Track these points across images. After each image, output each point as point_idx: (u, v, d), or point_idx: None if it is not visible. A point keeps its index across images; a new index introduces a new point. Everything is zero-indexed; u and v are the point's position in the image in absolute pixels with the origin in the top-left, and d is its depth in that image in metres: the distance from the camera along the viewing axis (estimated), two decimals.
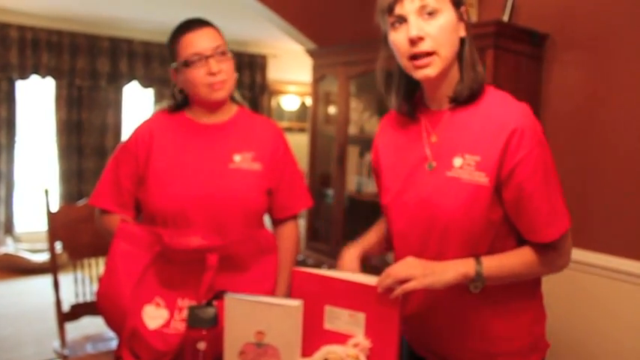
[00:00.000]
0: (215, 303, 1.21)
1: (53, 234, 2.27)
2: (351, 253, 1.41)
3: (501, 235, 1.23)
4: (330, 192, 3.51)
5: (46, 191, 2.27)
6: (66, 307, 2.29)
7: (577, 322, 2.50)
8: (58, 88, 5.78)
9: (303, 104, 7.31)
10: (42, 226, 5.43)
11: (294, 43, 3.70)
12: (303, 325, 1.18)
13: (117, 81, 6.09)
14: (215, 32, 1.59)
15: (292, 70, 7.21)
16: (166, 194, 1.56)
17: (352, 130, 3.35)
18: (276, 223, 1.76)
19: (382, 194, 1.37)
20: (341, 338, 1.22)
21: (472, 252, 1.20)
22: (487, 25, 2.37)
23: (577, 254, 2.43)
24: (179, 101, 1.66)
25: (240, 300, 1.19)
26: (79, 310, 2.32)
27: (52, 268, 2.30)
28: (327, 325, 1.24)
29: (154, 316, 1.32)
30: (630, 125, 2.32)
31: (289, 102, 7.33)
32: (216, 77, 1.55)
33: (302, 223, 3.15)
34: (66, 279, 2.70)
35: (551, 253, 1.22)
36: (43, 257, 5.29)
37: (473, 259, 1.18)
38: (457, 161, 1.21)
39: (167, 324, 1.32)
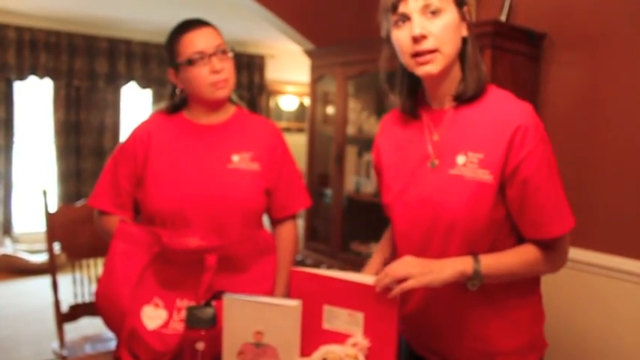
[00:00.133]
0: (214, 303, 1.21)
1: (52, 235, 2.26)
2: None
3: (502, 235, 1.24)
4: (329, 192, 3.51)
5: (45, 192, 2.27)
6: (64, 307, 2.29)
7: (577, 321, 2.50)
8: (56, 88, 5.78)
9: (301, 104, 7.31)
10: (40, 226, 5.43)
11: (292, 43, 3.71)
12: (302, 325, 1.19)
13: (115, 82, 6.09)
14: (215, 32, 1.59)
15: (290, 71, 7.21)
16: (165, 195, 1.56)
17: (350, 130, 3.35)
18: (275, 223, 1.76)
19: (384, 193, 1.38)
20: (340, 338, 1.22)
21: (473, 251, 1.20)
22: (485, 24, 2.37)
23: (577, 253, 2.44)
24: (177, 102, 1.66)
25: (238, 300, 1.19)
26: (77, 311, 2.32)
27: (50, 268, 2.30)
28: (326, 325, 1.24)
29: (152, 317, 1.32)
30: (629, 124, 2.33)
31: (287, 102, 7.33)
32: (219, 75, 1.55)
33: (300, 223, 3.15)
34: (64, 280, 2.71)
35: (549, 252, 1.22)
36: (41, 258, 5.29)
37: (471, 257, 1.18)
38: (460, 159, 1.21)
39: (166, 324, 1.32)
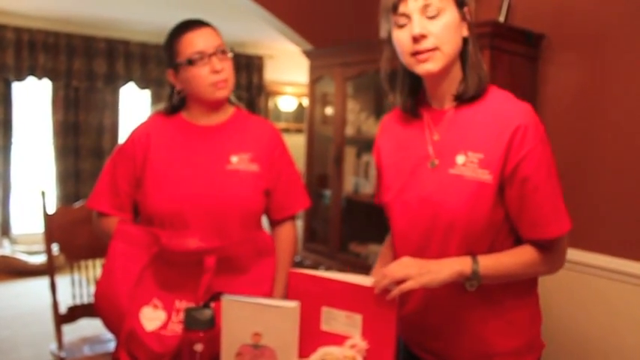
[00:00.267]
0: (212, 305, 1.21)
1: (50, 236, 2.26)
2: None
3: (501, 236, 1.24)
4: (328, 193, 3.51)
5: (43, 193, 2.27)
6: (63, 309, 2.29)
7: (577, 322, 2.51)
8: (55, 89, 5.77)
9: (300, 105, 7.31)
10: (39, 227, 5.42)
11: (291, 44, 3.71)
12: (300, 327, 1.19)
13: (114, 82, 6.08)
14: (215, 32, 1.59)
15: (289, 71, 7.21)
16: (164, 196, 1.56)
17: (349, 130, 3.35)
18: (274, 224, 1.76)
19: (383, 192, 1.38)
20: (338, 339, 1.22)
21: (472, 251, 1.20)
22: (483, 25, 2.37)
23: (575, 255, 2.44)
24: (175, 103, 1.66)
25: (237, 302, 1.19)
26: (76, 312, 2.32)
27: (49, 269, 2.29)
28: (324, 327, 1.24)
29: (151, 318, 1.32)
30: (628, 124, 2.33)
31: (286, 103, 7.33)
32: (219, 75, 1.55)
33: (299, 224, 3.15)
34: (63, 281, 2.70)
35: (547, 254, 1.23)
36: (40, 259, 5.28)
37: (469, 258, 1.18)
38: (460, 159, 1.22)
39: (164, 326, 1.32)
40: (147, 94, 6.39)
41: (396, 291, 1.14)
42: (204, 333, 1.17)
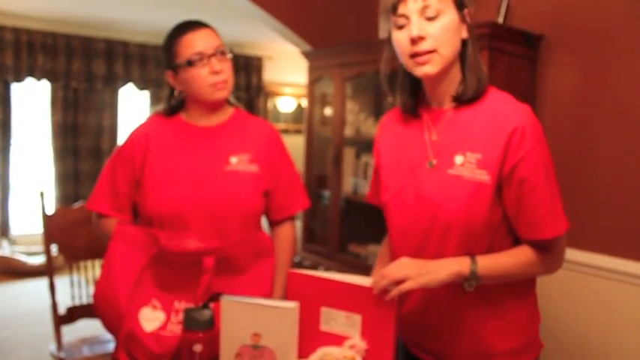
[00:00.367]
0: (211, 305, 1.21)
1: (49, 236, 2.26)
2: None
3: (499, 236, 1.24)
4: (327, 193, 3.52)
5: (42, 194, 2.27)
6: (62, 309, 2.29)
7: (576, 322, 2.51)
8: (54, 90, 5.77)
9: (299, 106, 7.31)
10: (38, 228, 5.42)
11: (290, 44, 3.71)
12: (300, 327, 1.19)
13: (113, 83, 6.08)
14: (214, 33, 1.59)
15: (288, 72, 7.21)
16: (163, 197, 1.56)
17: (348, 131, 3.35)
18: (273, 224, 1.76)
19: (382, 192, 1.38)
20: (337, 340, 1.22)
21: (470, 252, 1.21)
22: (482, 26, 2.37)
23: (574, 254, 2.44)
24: (174, 104, 1.66)
25: (236, 302, 1.19)
26: (75, 313, 2.32)
27: (48, 270, 2.29)
28: (324, 327, 1.25)
29: (150, 319, 1.32)
30: (625, 126, 2.33)
31: (285, 104, 7.33)
32: (218, 76, 1.55)
33: (298, 224, 3.15)
34: (62, 281, 2.70)
35: (545, 254, 1.23)
36: (39, 260, 5.27)
37: (468, 258, 1.19)
38: (458, 159, 1.22)
39: (164, 326, 1.32)
40: (146, 95, 6.39)
41: (395, 291, 1.14)
42: (204, 334, 1.17)
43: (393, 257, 1.33)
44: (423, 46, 1.19)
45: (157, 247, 1.33)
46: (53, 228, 2.27)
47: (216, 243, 1.37)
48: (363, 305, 1.20)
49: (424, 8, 1.18)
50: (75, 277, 2.44)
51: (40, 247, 5.44)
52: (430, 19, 1.18)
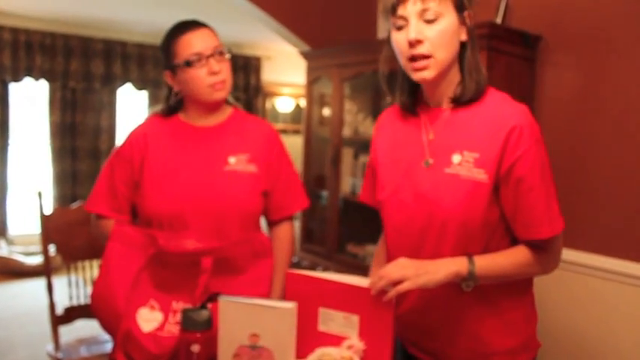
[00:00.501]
0: (209, 305, 1.21)
1: (47, 237, 2.26)
2: None
3: (497, 236, 1.25)
4: (325, 193, 3.52)
5: (40, 194, 2.27)
6: (60, 310, 2.29)
7: (573, 322, 2.51)
8: (52, 90, 5.76)
9: (297, 106, 7.31)
10: (36, 228, 5.40)
11: (288, 45, 3.71)
12: (298, 328, 1.19)
13: (111, 83, 6.07)
14: (212, 33, 1.58)
15: (286, 72, 7.21)
16: (162, 198, 1.55)
17: (346, 131, 3.35)
18: (272, 224, 1.76)
19: (378, 190, 1.38)
20: (335, 340, 1.23)
21: (467, 251, 1.21)
22: (480, 27, 2.38)
23: (571, 255, 2.45)
24: (173, 104, 1.66)
25: (234, 302, 1.19)
26: (73, 313, 2.32)
27: (45, 270, 2.29)
28: (321, 327, 1.25)
29: (148, 319, 1.32)
30: (622, 126, 2.34)
31: (284, 104, 7.33)
32: (217, 77, 1.54)
33: (296, 224, 3.15)
34: (60, 282, 2.69)
35: (542, 254, 1.23)
36: (36, 260, 5.27)
37: (465, 258, 1.19)
38: (456, 158, 1.23)
39: (161, 327, 1.31)
40: (144, 95, 6.38)
41: (393, 292, 1.14)
42: (202, 334, 1.17)
43: (390, 257, 1.33)
44: (420, 50, 1.19)
45: (154, 247, 1.33)
46: (51, 228, 2.27)
47: (214, 243, 1.37)
48: (361, 306, 1.20)
49: (423, 11, 1.18)
50: (73, 277, 2.44)
51: (38, 247, 5.42)
52: (429, 21, 1.18)
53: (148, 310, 1.33)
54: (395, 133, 1.38)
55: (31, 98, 5.94)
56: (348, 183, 3.39)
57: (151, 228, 1.53)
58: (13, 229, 5.81)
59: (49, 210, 2.29)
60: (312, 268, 3.34)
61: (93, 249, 2.26)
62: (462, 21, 1.23)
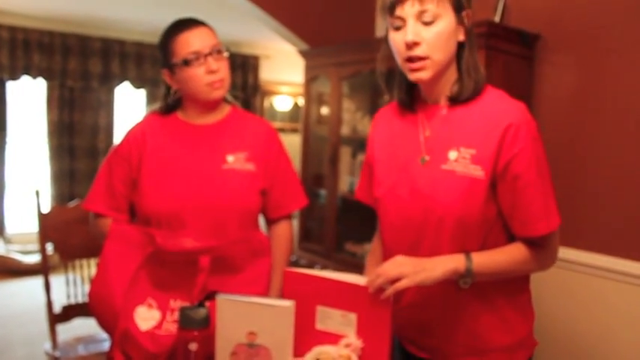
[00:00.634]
0: (207, 304, 1.21)
1: (44, 235, 2.25)
2: None
3: (494, 233, 1.25)
4: (323, 192, 3.51)
5: (37, 192, 2.26)
6: (57, 308, 2.28)
7: (572, 321, 2.51)
8: (50, 88, 5.75)
9: (295, 105, 7.30)
10: (33, 227, 5.40)
11: (287, 43, 3.71)
12: (295, 326, 1.19)
13: (109, 82, 6.06)
14: (210, 31, 1.58)
15: (285, 71, 7.21)
16: (160, 196, 1.55)
17: (345, 130, 3.35)
18: (270, 222, 1.76)
19: (375, 187, 1.38)
20: (333, 338, 1.23)
21: (465, 248, 1.21)
22: (478, 25, 2.37)
23: (570, 254, 2.45)
24: (171, 103, 1.66)
25: (231, 301, 1.19)
26: (70, 312, 2.31)
27: (43, 269, 2.29)
28: (319, 326, 1.25)
29: (146, 318, 1.32)
30: (620, 125, 2.34)
31: (282, 103, 7.32)
32: (215, 75, 1.54)
33: (295, 223, 3.14)
34: (57, 280, 2.69)
35: (539, 251, 1.24)
36: (34, 258, 5.26)
37: (463, 255, 1.19)
38: (452, 154, 1.23)
39: (159, 325, 1.31)
40: (142, 93, 6.37)
41: (390, 290, 1.14)
42: (199, 332, 1.17)
43: (387, 254, 1.33)
44: (417, 52, 1.19)
45: (152, 246, 1.33)
46: (49, 226, 2.26)
47: (212, 242, 1.37)
48: (359, 304, 1.20)
49: (421, 13, 1.18)
50: (70, 275, 2.44)
51: (36, 246, 5.42)
52: (426, 23, 1.18)
53: (145, 308, 1.33)
54: (392, 131, 1.38)
55: (29, 97, 5.93)
56: (346, 182, 3.38)
57: (149, 226, 1.53)
58: (10, 227, 5.80)
59: (46, 208, 2.28)
60: (310, 266, 3.34)
61: (90, 247, 2.25)
62: (460, 21, 1.23)
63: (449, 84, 1.27)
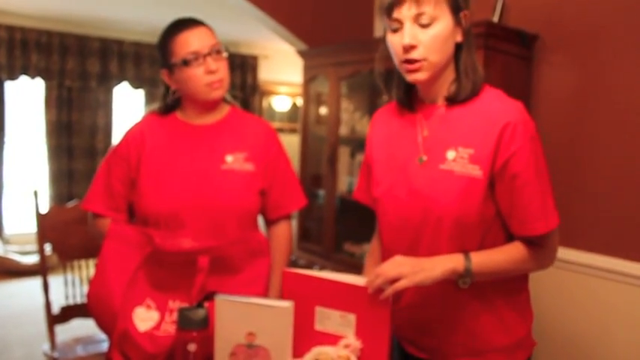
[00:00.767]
0: (206, 304, 1.21)
1: (43, 235, 2.25)
2: None
3: (492, 232, 1.25)
4: (322, 192, 3.51)
5: (36, 193, 2.26)
6: (56, 309, 2.28)
7: (571, 321, 2.52)
8: (48, 88, 5.74)
9: (294, 105, 7.30)
10: (31, 227, 5.40)
11: (285, 43, 3.70)
12: (294, 326, 1.19)
13: (107, 82, 6.06)
14: (210, 31, 1.58)
15: (283, 71, 7.21)
16: (159, 197, 1.55)
17: (343, 130, 3.35)
18: (270, 223, 1.75)
19: (373, 187, 1.38)
20: (332, 339, 1.22)
21: (463, 247, 1.21)
22: (477, 25, 2.37)
23: (567, 253, 2.45)
24: (170, 103, 1.65)
25: (230, 301, 1.19)
26: (69, 312, 2.31)
27: (41, 269, 2.28)
28: (318, 326, 1.24)
29: (144, 318, 1.31)
30: (618, 125, 2.34)
31: (280, 103, 7.32)
32: (214, 76, 1.54)
33: (293, 223, 3.14)
34: (56, 281, 2.69)
35: (538, 250, 1.24)
36: (32, 259, 5.26)
37: (462, 255, 1.19)
38: (450, 154, 1.23)
39: (158, 326, 1.31)
40: (140, 93, 6.37)
41: (389, 290, 1.14)
42: (198, 333, 1.16)
43: (386, 254, 1.33)
44: (414, 55, 1.20)
45: (151, 246, 1.33)
46: (47, 227, 2.26)
47: (211, 242, 1.37)
48: (358, 304, 1.20)
49: (418, 15, 1.18)
50: (69, 276, 2.43)
51: (34, 247, 5.41)
52: (423, 26, 1.18)
53: (144, 309, 1.32)
54: (390, 131, 1.38)
55: (27, 97, 5.92)
56: (345, 182, 3.38)
57: (148, 227, 1.52)
58: (8, 228, 5.79)
59: (45, 209, 2.28)
60: (309, 267, 3.34)
61: (89, 248, 2.25)
62: (458, 22, 1.23)
63: (446, 84, 1.27)
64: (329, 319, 1.23)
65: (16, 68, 5.51)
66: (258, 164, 1.63)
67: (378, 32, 3.44)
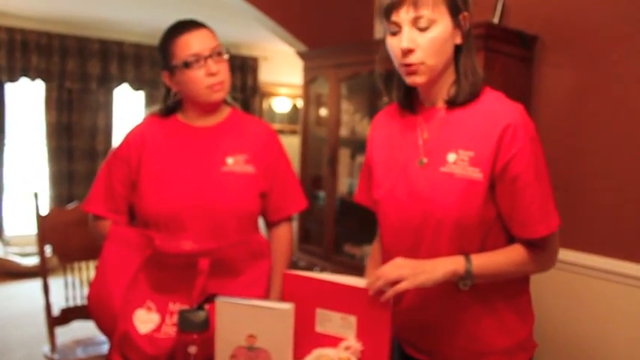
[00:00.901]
0: (206, 307, 1.20)
1: (43, 237, 2.25)
2: None
3: (493, 235, 1.25)
4: (322, 194, 3.51)
5: (36, 194, 2.26)
6: (56, 311, 2.28)
7: (569, 322, 2.51)
8: (48, 90, 5.74)
9: (294, 106, 7.31)
10: (32, 229, 5.40)
11: (285, 45, 3.71)
12: (295, 329, 1.18)
13: (107, 83, 6.06)
14: (210, 33, 1.58)
15: (283, 73, 7.21)
16: (159, 198, 1.55)
17: (343, 132, 3.35)
18: (270, 225, 1.75)
19: (374, 189, 1.38)
20: (332, 341, 1.22)
21: (464, 250, 1.21)
22: (477, 26, 2.37)
23: (568, 255, 2.45)
24: (171, 105, 1.65)
25: (231, 303, 1.18)
26: (69, 314, 2.31)
27: (41, 271, 2.28)
28: (319, 328, 1.24)
29: (145, 320, 1.31)
30: (620, 126, 2.34)
31: (280, 104, 7.33)
32: (215, 78, 1.54)
33: (294, 225, 3.14)
34: (56, 283, 2.69)
35: (539, 252, 1.24)
36: (32, 261, 5.25)
37: (462, 257, 1.19)
38: (451, 157, 1.23)
39: (158, 328, 1.31)
40: (141, 95, 6.37)
41: (390, 292, 1.14)
42: (198, 335, 1.16)
43: (386, 256, 1.33)
44: (412, 59, 1.20)
45: (151, 248, 1.33)
46: (47, 229, 2.26)
47: (212, 244, 1.37)
48: (359, 306, 1.20)
49: (416, 19, 1.18)
50: (69, 278, 2.43)
51: (34, 248, 5.41)
52: (422, 29, 1.18)
53: (144, 311, 1.32)
54: (390, 133, 1.38)
55: (27, 98, 5.92)
56: (345, 183, 3.38)
57: (148, 229, 1.52)
58: (9, 229, 5.79)
59: (45, 210, 2.28)
60: (310, 268, 3.34)
61: (89, 250, 2.25)
62: (457, 24, 1.23)
63: (446, 86, 1.27)
64: (330, 321, 1.23)
65: (16, 70, 5.51)
66: (259, 166, 1.63)
67: (378, 34, 3.44)
